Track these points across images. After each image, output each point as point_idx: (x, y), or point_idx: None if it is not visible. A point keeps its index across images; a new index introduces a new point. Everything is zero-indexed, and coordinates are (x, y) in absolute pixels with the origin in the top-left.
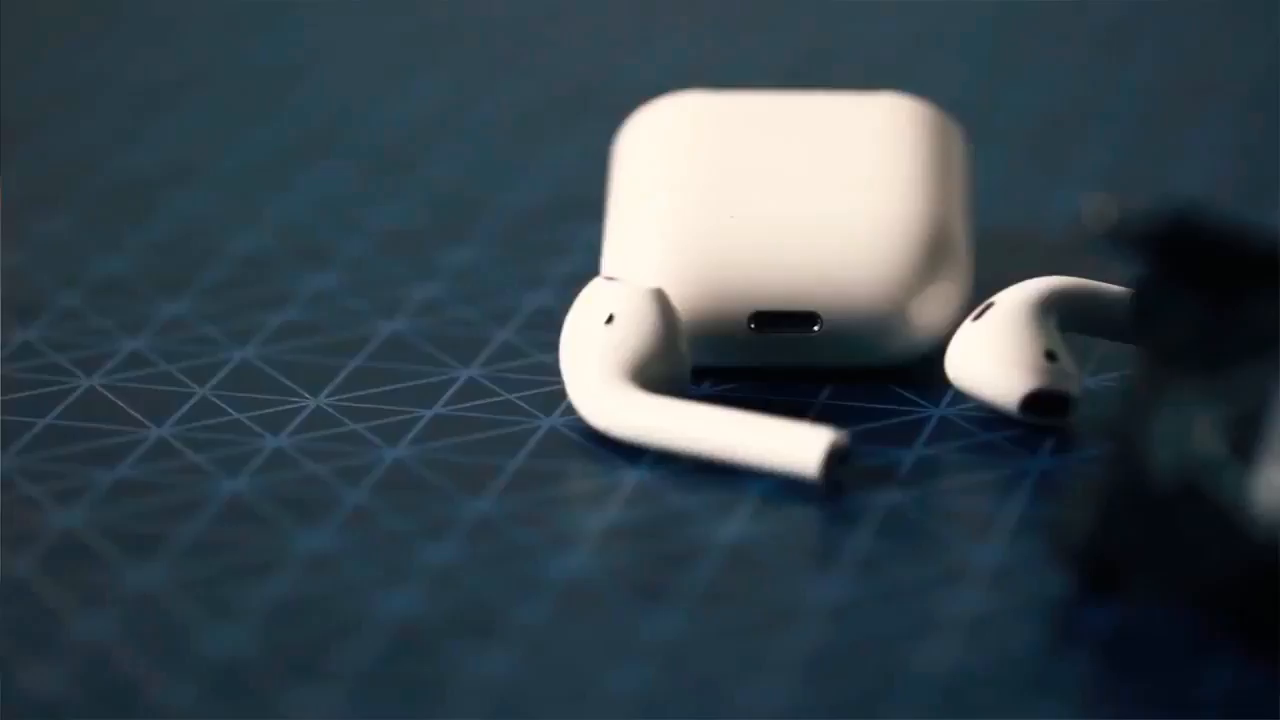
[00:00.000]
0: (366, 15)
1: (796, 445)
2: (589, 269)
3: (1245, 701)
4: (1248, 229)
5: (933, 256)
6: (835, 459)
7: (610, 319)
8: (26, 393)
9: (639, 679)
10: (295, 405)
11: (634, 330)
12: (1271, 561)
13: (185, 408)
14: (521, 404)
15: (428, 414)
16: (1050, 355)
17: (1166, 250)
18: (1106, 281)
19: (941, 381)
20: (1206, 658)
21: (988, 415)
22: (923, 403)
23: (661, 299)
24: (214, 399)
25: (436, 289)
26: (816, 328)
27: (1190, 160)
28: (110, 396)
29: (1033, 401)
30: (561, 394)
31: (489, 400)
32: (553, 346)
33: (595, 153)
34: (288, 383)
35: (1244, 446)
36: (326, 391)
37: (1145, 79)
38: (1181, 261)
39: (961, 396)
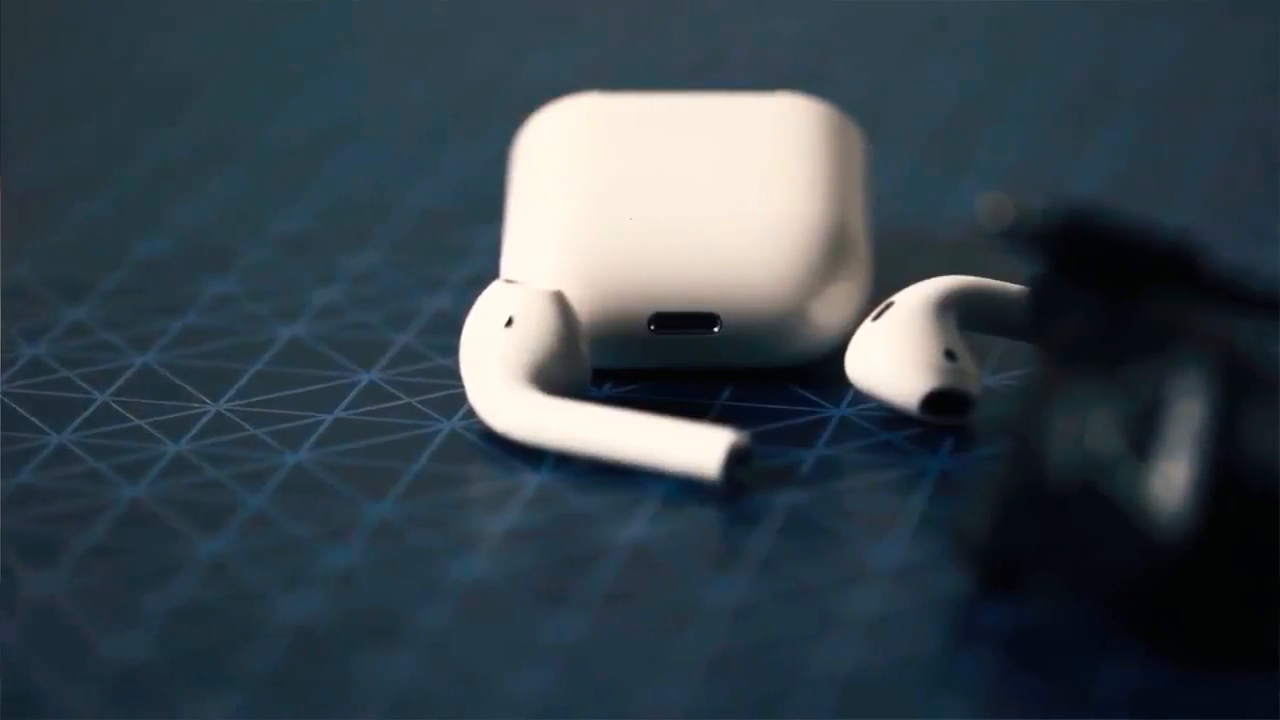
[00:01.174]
0: (266, 21)
1: (697, 446)
2: (489, 272)
3: (1146, 699)
4: (1142, 227)
5: (832, 257)
6: (736, 460)
7: (510, 322)
8: None
9: (540, 681)
10: (196, 411)
11: (533, 333)
12: (1169, 558)
13: (86, 414)
14: (422, 407)
15: (328, 418)
16: (950, 354)
17: (1062, 249)
18: (1005, 280)
19: (842, 381)
20: (1107, 655)
21: (888, 415)
22: (823, 403)
23: (561, 301)
24: (115, 405)
25: (337, 293)
26: (716, 328)
27: (1089, 160)
28: (10, 403)
29: (932, 401)
30: (462, 397)
31: (390, 404)
32: (453, 350)
33: (495, 155)
34: (188, 388)
35: (1141, 444)
36: (227, 397)
37: (1046, 79)
38: (1077, 260)
39: (862, 396)
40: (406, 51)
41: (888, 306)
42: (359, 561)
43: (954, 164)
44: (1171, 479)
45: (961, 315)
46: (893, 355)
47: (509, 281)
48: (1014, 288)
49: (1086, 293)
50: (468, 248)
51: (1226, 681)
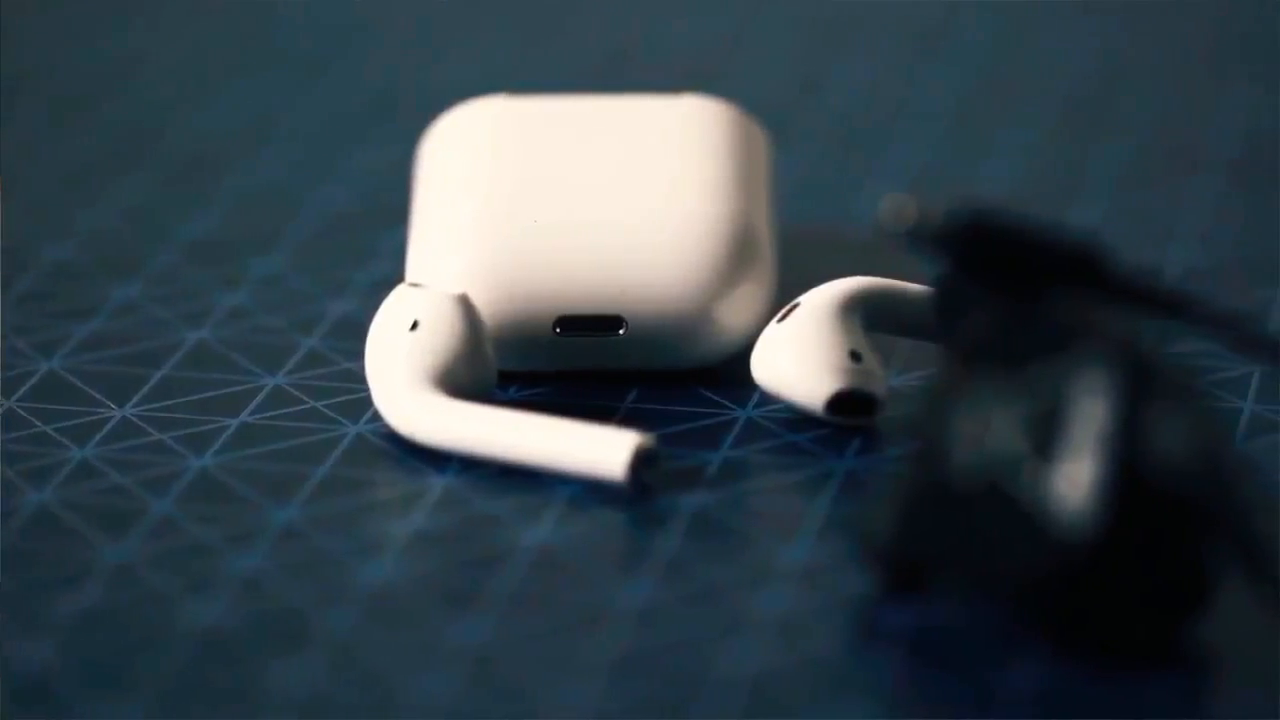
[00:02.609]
0: (174, 26)
1: (603, 449)
2: (395, 275)
3: (1052, 698)
4: (1045, 228)
5: (737, 258)
6: (641, 462)
7: (415, 325)
8: None
9: (447, 684)
10: (101, 416)
11: (438, 336)
12: (1074, 558)
13: None
14: (328, 411)
15: (234, 423)
16: (855, 355)
17: (964, 249)
18: (911, 281)
19: (748, 383)
20: (1013, 654)
21: (794, 416)
22: (729, 404)
23: (465, 304)
24: (20, 411)
25: (243, 297)
26: (621, 331)
27: (997, 160)
28: None
29: (838, 402)
30: (368, 401)
31: (295, 408)
32: (359, 354)
33: (401, 159)
34: (94, 394)
35: (1045, 444)
36: (133, 402)
37: (953, 80)
38: (980, 260)
39: (768, 398)
40: (312, 55)
41: (793, 308)
42: (265, 566)
43: (860, 165)
44: (1075, 479)
45: (867, 316)
46: (798, 357)
47: (414, 285)
48: (919, 288)
49: (990, 293)
50: (373, 251)
51: (1132, 680)
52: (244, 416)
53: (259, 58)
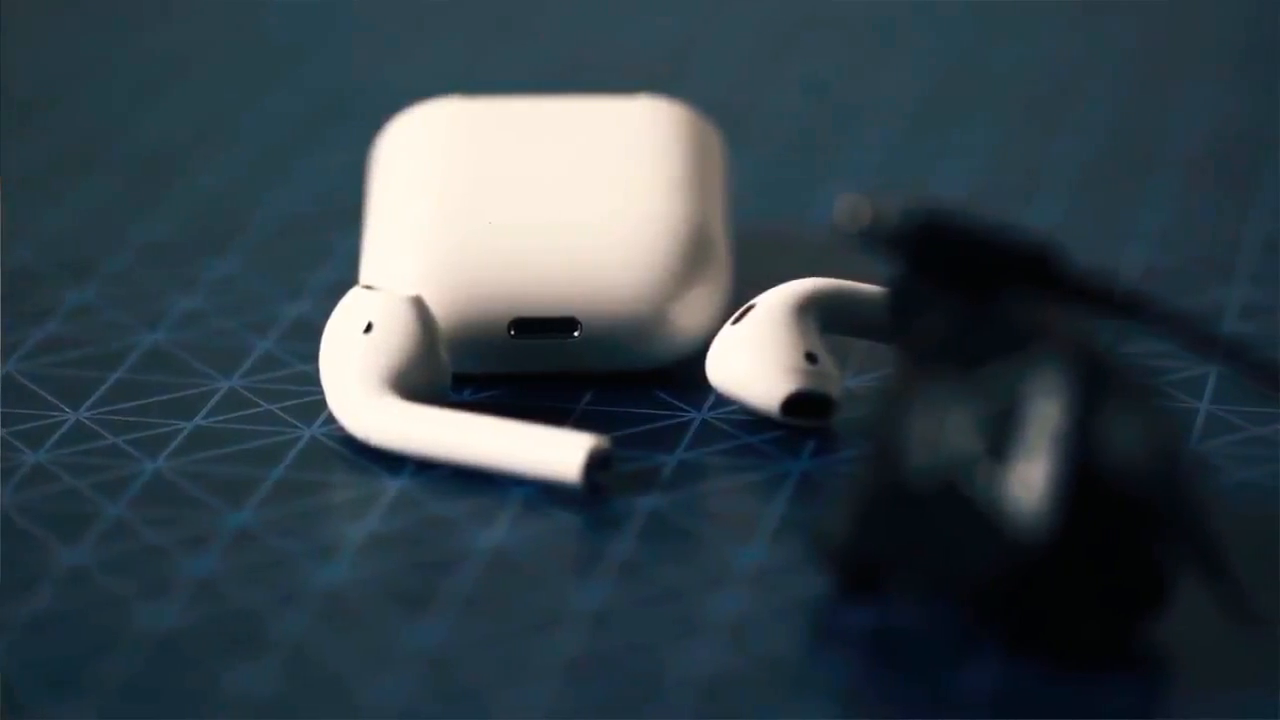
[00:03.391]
0: (127, 28)
1: (557, 451)
2: (349, 278)
3: (1007, 698)
4: (999, 229)
5: (691, 259)
6: (596, 464)
7: (369, 328)
8: None
9: (402, 687)
10: (56, 420)
11: (393, 339)
12: (1028, 558)
13: None
14: (282, 414)
15: (188, 426)
16: (810, 357)
17: (918, 250)
18: (866, 281)
19: (703, 385)
20: (968, 655)
21: (749, 418)
22: (684, 406)
23: (420, 307)
24: None
25: (198, 300)
26: (576, 333)
27: (953, 161)
28: None
29: (793, 404)
30: (322, 404)
31: (250, 411)
32: (313, 356)
33: (356, 160)
34: (49, 397)
35: (999, 444)
36: (87, 405)
37: (907, 80)
38: (933, 261)
39: (723, 400)
40: (266, 57)
41: (748, 309)
42: (220, 568)
43: (816, 165)
44: (1030, 479)
45: (822, 317)
46: (753, 358)
47: (368, 287)
48: (874, 289)
49: (945, 294)
50: (328, 253)
51: (1088, 680)
52: (199, 419)
53: (214, 61)
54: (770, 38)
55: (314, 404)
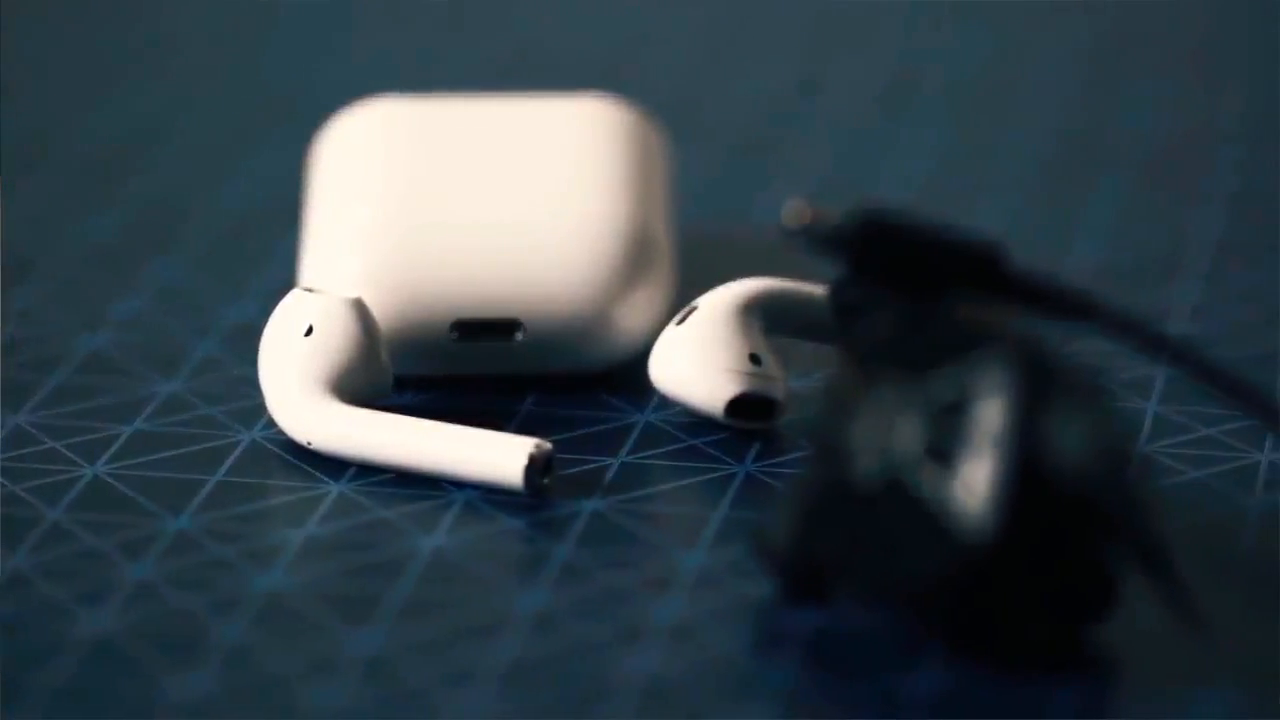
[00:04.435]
0: (68, 28)
1: (500, 454)
2: (290, 280)
3: (951, 701)
4: (943, 229)
5: (634, 260)
6: (539, 467)
7: (309, 330)
8: None
9: (342, 694)
10: None
11: (333, 341)
12: (973, 560)
13: None
14: (222, 418)
15: (128, 430)
16: (754, 358)
17: (861, 251)
18: (811, 282)
19: (647, 387)
20: (912, 658)
21: (693, 420)
22: (628, 409)
23: (360, 309)
24: None
25: (138, 303)
26: (519, 335)
27: (900, 161)
28: None
29: (737, 406)
30: (263, 407)
31: (190, 414)
32: (254, 359)
33: (298, 161)
34: None
35: (944, 446)
36: (27, 409)
37: (852, 80)
38: (877, 262)
39: (667, 402)
40: (205, 57)
41: (691, 310)
42: (159, 573)
43: (762, 166)
44: (974, 480)
45: (767, 318)
46: (697, 360)
47: (308, 289)
48: (819, 290)
49: (890, 295)
50: (269, 256)
51: (1034, 684)
52: (138, 423)
53: (154, 61)
54: (717, 37)
55: (255, 407)
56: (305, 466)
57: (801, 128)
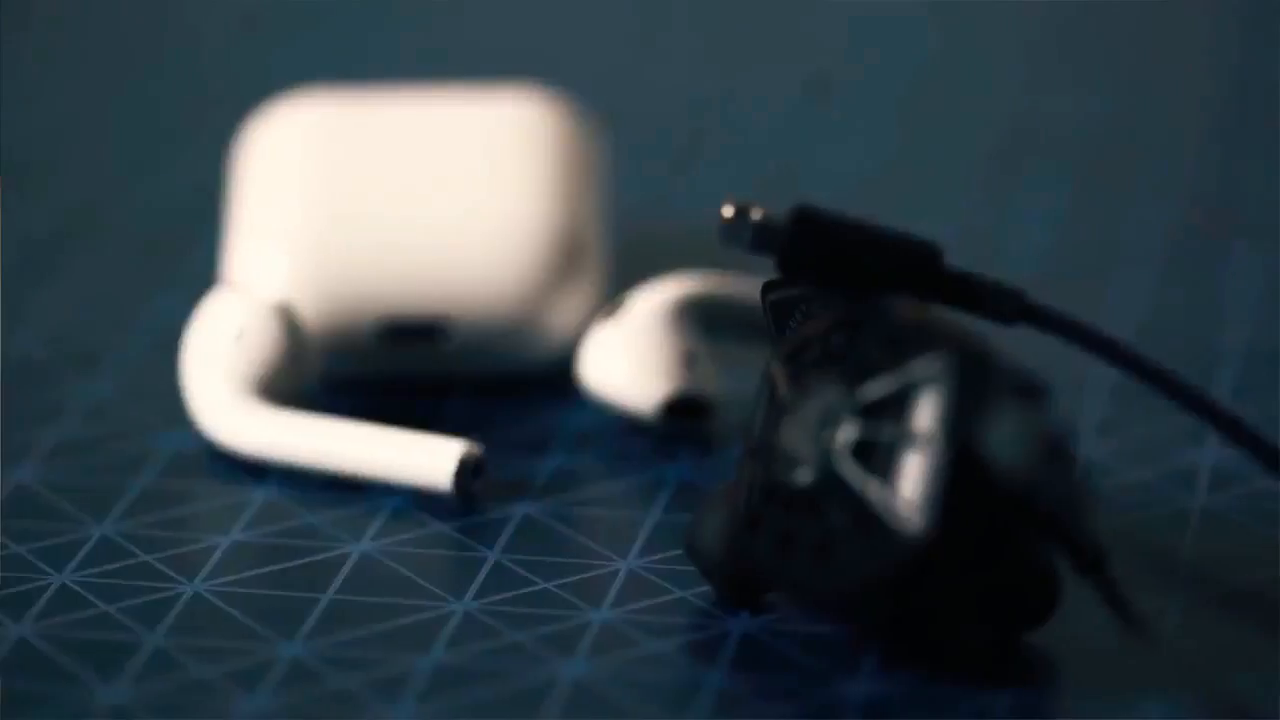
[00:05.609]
0: None
1: (428, 458)
2: (214, 279)
3: (888, 704)
4: (879, 229)
5: (563, 259)
6: (468, 471)
7: (234, 332)
8: None
9: (270, 701)
10: None
11: (258, 344)
12: (908, 561)
13: None
14: (146, 421)
15: (50, 436)
16: (688, 358)
17: (791, 249)
18: (745, 281)
19: (578, 388)
20: (845, 661)
21: (625, 422)
22: (559, 411)
23: (285, 311)
24: None
25: (58, 304)
26: (447, 336)
27: (837, 159)
28: None
29: (670, 407)
30: (185, 409)
31: (113, 418)
32: (176, 360)
33: (220, 158)
34: None
35: (879, 445)
36: None
37: (790, 76)
38: (812, 261)
39: (598, 403)
40: (127, 55)
41: (618, 304)
42: (82, 579)
43: (697, 163)
44: (909, 480)
45: (699, 317)
46: (628, 360)
47: (231, 290)
48: (752, 289)
49: (824, 294)
50: (193, 254)
51: (970, 687)
52: (60, 428)
53: (72, 59)
54: (652, 28)
55: (178, 410)
56: (230, 471)
57: (741, 121)
